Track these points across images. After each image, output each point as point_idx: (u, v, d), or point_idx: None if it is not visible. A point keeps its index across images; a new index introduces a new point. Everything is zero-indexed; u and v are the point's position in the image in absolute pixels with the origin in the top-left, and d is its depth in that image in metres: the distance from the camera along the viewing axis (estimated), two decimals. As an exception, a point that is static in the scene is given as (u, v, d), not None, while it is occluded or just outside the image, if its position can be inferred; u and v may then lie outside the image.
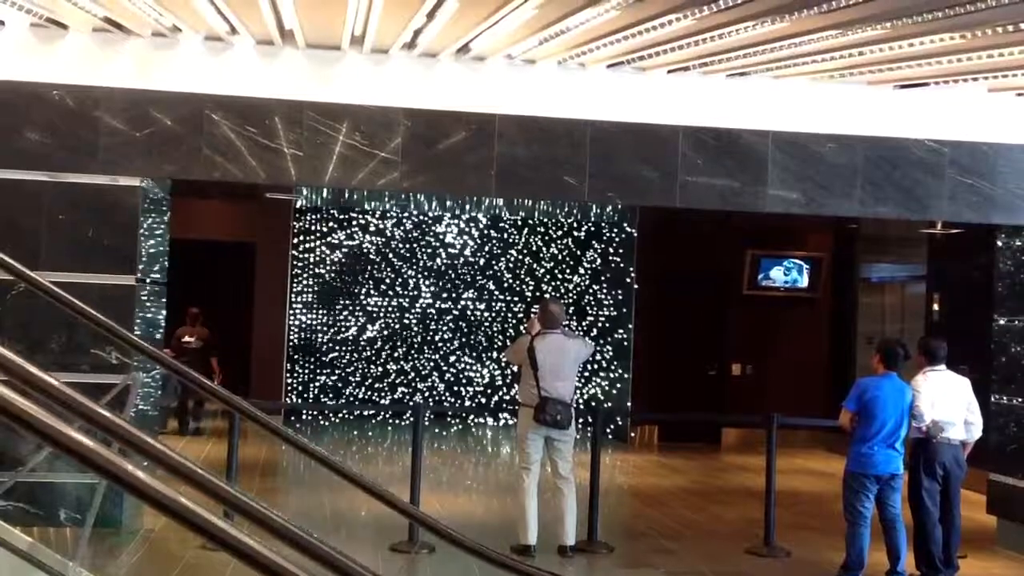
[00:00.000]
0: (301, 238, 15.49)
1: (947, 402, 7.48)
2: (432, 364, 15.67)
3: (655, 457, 13.88)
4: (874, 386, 7.39)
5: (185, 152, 7.82)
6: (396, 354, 15.61)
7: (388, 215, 15.65)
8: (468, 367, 15.75)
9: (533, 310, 12.90)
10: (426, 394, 15.57)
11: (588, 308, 15.67)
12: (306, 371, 15.45)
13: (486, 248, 15.83)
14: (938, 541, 7.47)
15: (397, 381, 15.61)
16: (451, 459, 13.09)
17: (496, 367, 15.71)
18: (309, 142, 7.87)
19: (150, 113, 7.73)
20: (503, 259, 15.84)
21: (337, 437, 14.51)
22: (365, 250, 15.59)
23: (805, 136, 8.33)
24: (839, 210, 8.70)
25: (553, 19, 6.64)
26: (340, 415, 15.73)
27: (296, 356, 15.44)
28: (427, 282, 15.68)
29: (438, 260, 15.71)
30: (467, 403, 15.67)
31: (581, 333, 14.99)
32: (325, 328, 15.50)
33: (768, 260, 15.26)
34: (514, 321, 15.68)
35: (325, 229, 15.54)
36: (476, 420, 15.88)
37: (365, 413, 15.78)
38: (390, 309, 15.61)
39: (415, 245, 15.69)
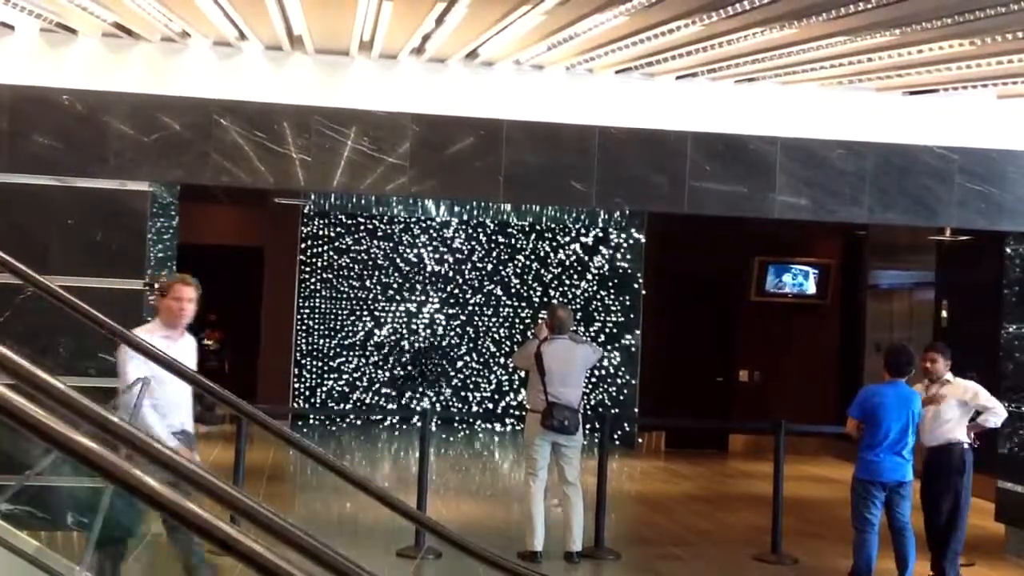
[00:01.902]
0: (309, 243, 15.50)
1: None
2: (439, 369, 15.67)
3: (662, 463, 13.85)
4: (877, 393, 7.38)
5: (194, 157, 7.83)
6: (403, 359, 15.62)
7: (396, 220, 15.66)
8: (475, 372, 15.74)
9: (541, 315, 12.88)
10: (433, 399, 15.56)
11: (596, 314, 15.66)
12: (313, 376, 15.46)
13: (493, 253, 15.83)
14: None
15: (404, 386, 15.62)
16: (458, 464, 13.08)
17: (503, 373, 15.71)
18: (317, 147, 7.88)
19: (159, 118, 7.75)
20: (510, 264, 15.84)
21: (344, 442, 14.51)
22: (373, 255, 15.61)
23: (814, 142, 8.32)
24: (848, 216, 8.69)
25: (561, 25, 6.65)
26: (347, 420, 15.74)
27: (303, 361, 15.45)
28: (434, 287, 15.68)
29: (445, 265, 15.72)
30: (474, 409, 15.67)
31: (589, 339, 14.98)
32: (332, 333, 15.51)
33: (776, 266, 15.24)
34: (521, 327, 15.67)
35: (333, 234, 15.55)
36: (483, 426, 15.87)
37: (372, 418, 15.78)
38: (397, 314, 15.62)
39: (423, 250, 15.70)
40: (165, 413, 5.59)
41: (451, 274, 15.72)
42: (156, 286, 5.90)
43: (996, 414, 7.58)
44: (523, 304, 15.80)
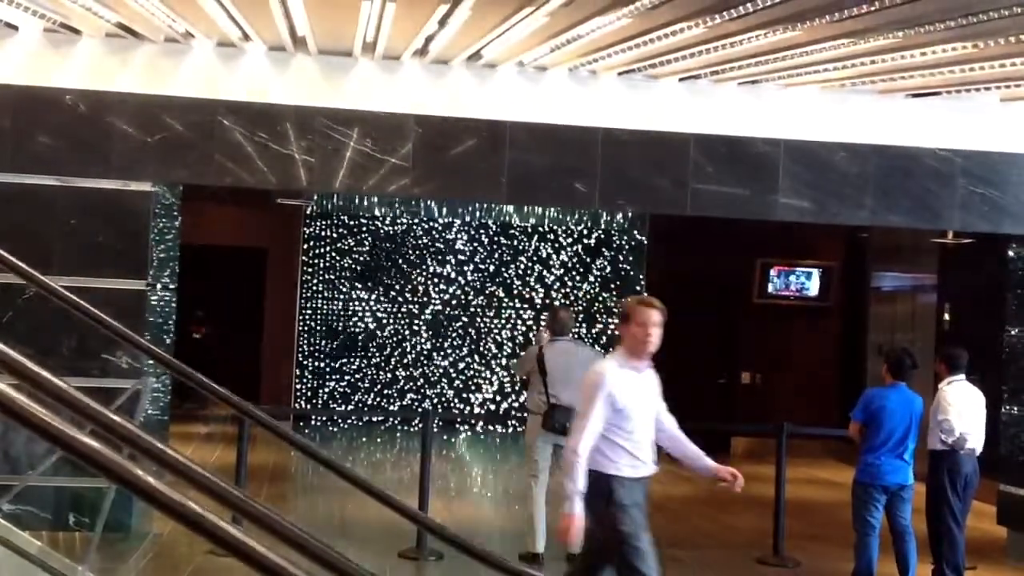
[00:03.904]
0: (311, 244, 15.51)
1: (971, 412, 7.47)
2: (441, 371, 15.67)
3: (664, 465, 13.72)
4: (881, 396, 7.36)
5: (197, 157, 7.84)
6: (405, 360, 15.61)
7: (398, 221, 15.66)
8: (477, 374, 15.74)
9: (542, 319, 12.89)
10: (435, 401, 15.56)
11: (598, 316, 15.65)
12: (315, 376, 15.46)
13: (496, 255, 15.83)
14: (963, 551, 7.47)
15: (406, 387, 15.61)
16: (459, 466, 13.08)
17: (505, 374, 15.70)
18: (320, 148, 7.89)
19: (162, 118, 7.75)
20: (513, 266, 15.84)
21: (346, 443, 14.51)
22: (375, 256, 15.61)
23: (816, 144, 8.32)
24: (850, 219, 8.69)
25: (564, 27, 6.65)
26: (349, 421, 15.74)
27: (305, 362, 15.45)
28: (437, 288, 15.68)
29: (448, 267, 15.72)
30: (476, 410, 15.66)
31: (590, 342, 14.97)
32: (335, 333, 15.51)
33: (784, 271, 15.23)
34: (523, 328, 15.67)
35: (335, 235, 15.56)
36: (485, 427, 15.87)
37: (374, 419, 15.78)
38: (400, 315, 15.61)
39: (425, 251, 15.70)
40: (632, 451, 5.05)
41: (453, 275, 15.72)
42: (618, 311, 5.25)
43: (943, 429, 7.41)
44: (525, 306, 15.80)
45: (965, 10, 5.68)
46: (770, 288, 15.21)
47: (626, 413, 4.99)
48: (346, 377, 15.49)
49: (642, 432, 5.10)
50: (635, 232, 15.53)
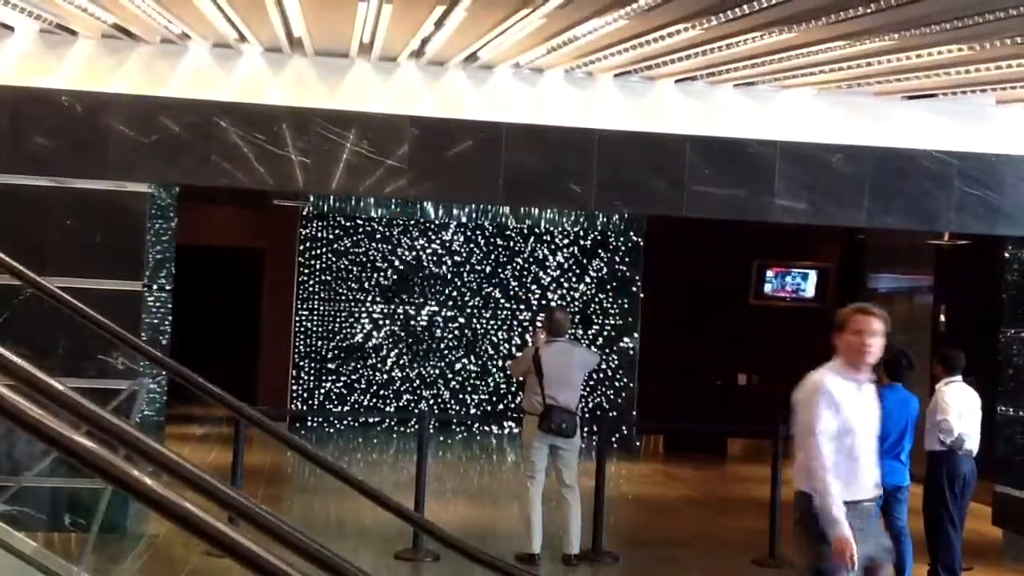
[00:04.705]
0: (308, 245, 15.50)
1: (969, 413, 7.48)
2: (437, 372, 15.67)
3: (661, 467, 13.85)
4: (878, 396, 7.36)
5: (193, 158, 7.84)
6: (402, 361, 15.61)
7: (395, 223, 15.66)
8: (473, 375, 15.74)
9: (538, 321, 12.89)
10: (431, 402, 15.56)
11: (594, 317, 15.65)
12: (312, 377, 15.46)
13: (492, 256, 15.82)
14: (959, 552, 7.47)
15: (402, 388, 15.61)
16: (456, 467, 13.08)
17: (501, 375, 15.71)
18: (317, 149, 7.89)
19: (158, 119, 7.75)
20: (509, 267, 15.84)
21: (342, 444, 14.51)
22: (371, 257, 15.61)
23: (812, 146, 8.33)
24: (846, 220, 8.70)
25: (561, 28, 6.65)
26: (345, 422, 15.73)
27: (302, 363, 15.44)
28: (433, 290, 15.68)
29: (444, 268, 15.71)
30: (472, 411, 15.66)
31: (586, 344, 14.97)
32: (331, 335, 15.51)
33: (775, 270, 15.24)
34: (519, 329, 15.67)
35: (332, 236, 15.55)
36: (481, 428, 15.87)
37: (370, 420, 15.78)
38: (396, 316, 15.61)
39: (421, 253, 15.69)
40: (849, 470, 4.65)
41: (449, 276, 15.71)
42: (835, 320, 4.85)
43: (941, 429, 7.41)
44: (521, 307, 15.80)
45: (961, 12, 5.69)
46: (766, 289, 15.22)
47: (846, 427, 4.67)
48: (342, 378, 15.48)
49: (863, 449, 4.73)
50: (631, 233, 15.54)
